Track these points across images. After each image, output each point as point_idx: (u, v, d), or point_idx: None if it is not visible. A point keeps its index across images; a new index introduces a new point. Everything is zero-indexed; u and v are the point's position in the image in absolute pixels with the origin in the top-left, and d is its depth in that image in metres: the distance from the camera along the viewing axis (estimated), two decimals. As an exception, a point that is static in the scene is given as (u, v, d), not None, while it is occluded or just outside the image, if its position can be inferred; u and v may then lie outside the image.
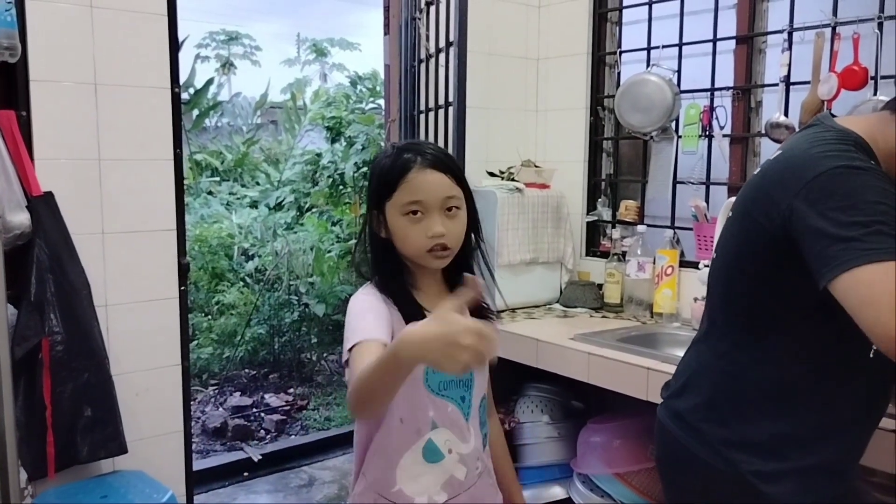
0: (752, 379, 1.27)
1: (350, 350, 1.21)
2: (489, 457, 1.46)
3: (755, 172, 1.29)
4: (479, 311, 1.37)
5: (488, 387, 1.47)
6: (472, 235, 1.38)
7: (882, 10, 2.08)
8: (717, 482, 1.28)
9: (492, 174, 2.75)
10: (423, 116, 2.43)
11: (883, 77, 2.08)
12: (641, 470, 2.33)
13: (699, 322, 2.36)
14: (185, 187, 2.28)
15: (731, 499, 1.26)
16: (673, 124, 2.63)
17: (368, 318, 1.27)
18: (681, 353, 2.29)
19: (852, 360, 1.24)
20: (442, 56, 2.20)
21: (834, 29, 2.17)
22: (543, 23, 2.98)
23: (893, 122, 1.22)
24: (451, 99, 2.05)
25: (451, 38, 2.00)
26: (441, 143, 2.22)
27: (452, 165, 1.34)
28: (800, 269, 1.12)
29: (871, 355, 1.24)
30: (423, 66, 2.42)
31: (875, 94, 2.10)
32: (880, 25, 2.08)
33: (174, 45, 2.22)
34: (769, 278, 1.22)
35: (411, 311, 1.30)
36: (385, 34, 2.82)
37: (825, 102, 2.20)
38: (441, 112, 2.20)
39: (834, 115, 1.30)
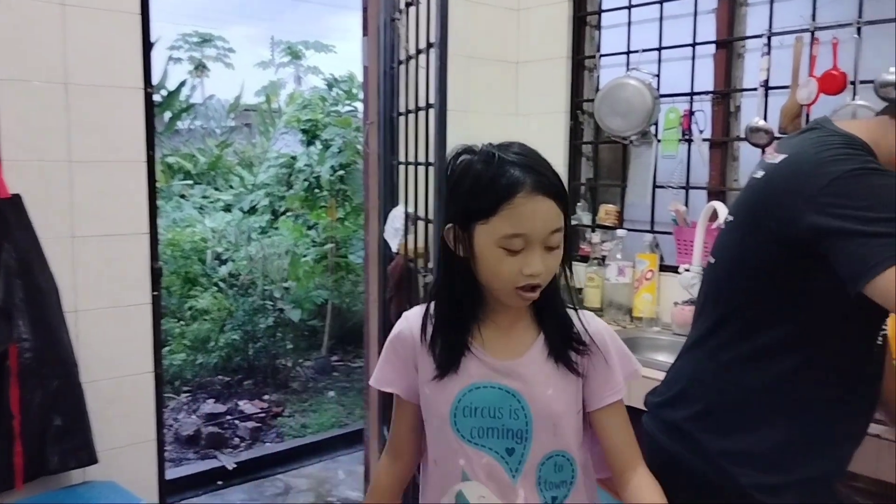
0: (754, 387, 1.23)
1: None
2: None
3: (756, 176, 1.26)
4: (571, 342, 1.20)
5: (620, 437, 1.20)
6: (564, 268, 1.18)
7: (861, 14, 2.09)
8: (715, 495, 1.24)
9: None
10: (402, 119, 2.39)
11: (862, 82, 2.09)
12: (623, 475, 2.31)
13: (680, 326, 2.39)
14: (157, 190, 2.23)
15: None
16: (653, 128, 2.63)
17: (389, 361, 1.25)
18: (662, 357, 2.31)
19: (853, 371, 1.24)
20: (422, 57, 2.16)
21: (813, 34, 2.18)
22: (523, 26, 2.96)
23: (892, 126, 1.21)
24: (431, 101, 2.02)
25: (432, 40, 1.96)
26: (422, 146, 2.19)
27: (562, 190, 1.12)
28: (813, 278, 1.10)
29: (871, 362, 1.24)
30: (402, 67, 2.38)
31: (854, 98, 2.10)
32: (859, 30, 2.09)
33: (147, 45, 2.17)
34: (777, 284, 1.18)
35: (454, 346, 1.17)
36: (363, 35, 2.78)
37: (804, 107, 2.20)
38: (422, 114, 2.17)
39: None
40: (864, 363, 1.25)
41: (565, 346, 1.18)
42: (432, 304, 1.22)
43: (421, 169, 2.23)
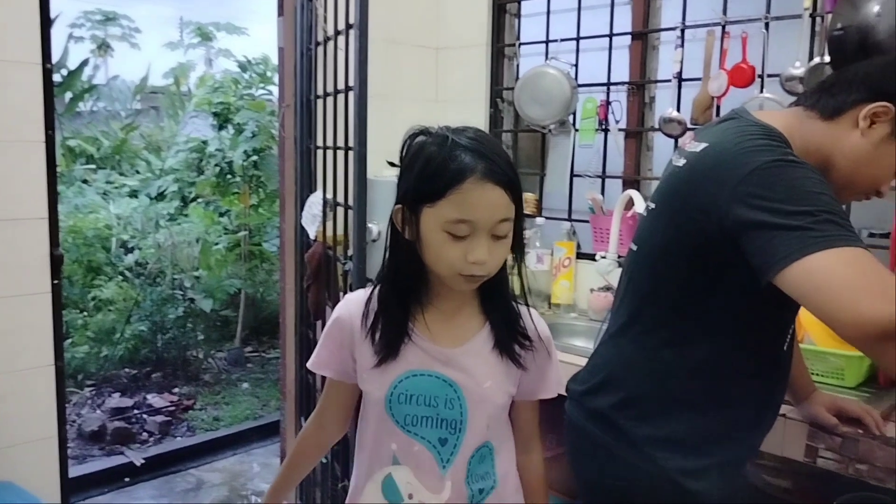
0: (676, 375, 1.25)
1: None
2: None
3: (677, 164, 1.26)
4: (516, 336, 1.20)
5: (532, 426, 1.29)
6: (519, 263, 1.18)
7: (769, 10, 2.16)
8: (640, 481, 1.25)
9: (392, 164, 2.68)
10: (320, 102, 2.34)
11: (769, 75, 2.17)
12: (541, 460, 2.34)
13: (596, 312, 2.43)
14: (57, 174, 2.10)
15: (655, 497, 1.24)
16: (570, 118, 2.66)
17: (326, 346, 1.25)
18: (579, 342, 2.35)
19: (769, 355, 1.28)
20: (341, 39, 2.11)
21: (724, 28, 2.25)
22: (443, 12, 2.94)
23: (807, 118, 1.25)
24: (351, 84, 1.98)
25: (351, 21, 1.92)
26: (341, 130, 2.14)
27: (514, 179, 1.09)
28: (735, 265, 1.11)
29: (785, 348, 1.28)
30: (320, 49, 2.32)
31: (762, 91, 2.18)
32: (767, 25, 2.16)
33: (45, 19, 2.03)
34: (700, 274, 1.19)
35: (394, 333, 1.16)
36: (279, 16, 2.70)
37: (715, 99, 2.27)
38: (340, 98, 2.12)
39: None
40: (778, 351, 1.29)
41: (510, 338, 1.18)
42: (376, 289, 1.20)
43: (340, 154, 2.19)
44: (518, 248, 1.16)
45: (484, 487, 1.21)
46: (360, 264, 1.93)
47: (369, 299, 1.20)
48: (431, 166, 1.07)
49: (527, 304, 1.22)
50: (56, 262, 2.09)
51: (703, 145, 1.21)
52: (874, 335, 0.94)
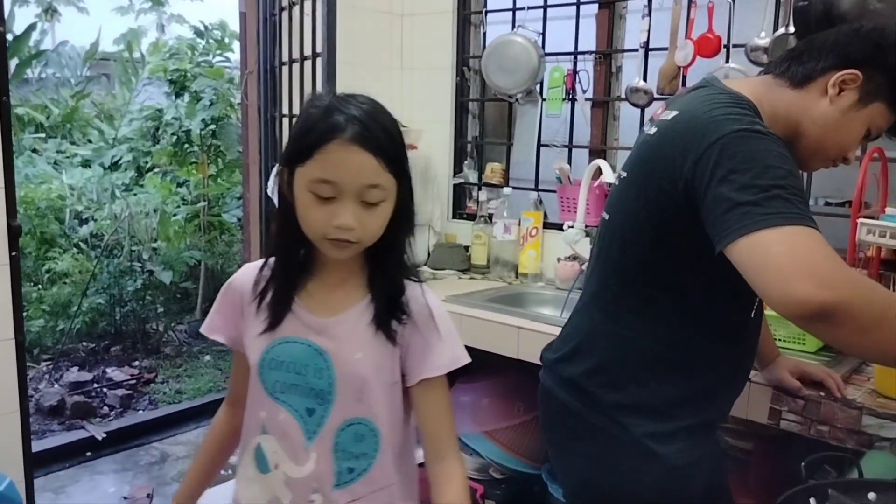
0: (645, 342, 1.26)
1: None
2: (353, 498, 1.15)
3: (649, 133, 1.27)
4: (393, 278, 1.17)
5: (438, 421, 1.16)
6: (402, 228, 1.13)
7: (735, -19, 2.18)
8: (611, 446, 1.28)
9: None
10: (286, 68, 2.29)
11: (734, 45, 2.19)
12: (509, 427, 2.38)
13: (562, 281, 2.45)
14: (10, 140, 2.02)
15: (626, 462, 1.27)
16: (537, 87, 2.66)
17: (219, 310, 1.24)
18: (547, 311, 2.37)
19: (737, 323, 1.30)
20: (307, 4, 2.07)
21: (690, -3, 2.26)
22: (408, -22, 2.90)
23: (776, 86, 1.27)
24: (318, 50, 1.94)
25: (319, -15, 1.88)
26: (308, 98, 2.11)
27: (387, 146, 1.06)
28: (699, 232, 1.12)
29: (753, 315, 1.31)
30: (284, 14, 2.27)
31: (727, 61, 2.20)
32: (733, -4, 2.18)
33: (-4, -23, 1.95)
34: (668, 241, 1.21)
35: (278, 301, 1.15)
36: (240, -20, 2.63)
37: (681, 68, 2.29)
38: (308, 64, 2.08)
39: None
40: (745, 318, 1.31)
41: (388, 312, 1.15)
42: (271, 259, 1.18)
43: (307, 122, 2.15)
44: (406, 222, 1.13)
45: (356, 467, 1.14)
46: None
47: (262, 267, 1.19)
48: (305, 126, 1.07)
49: (418, 280, 1.18)
50: (14, 234, 2.03)
51: (674, 113, 1.22)
52: (801, 315, 0.99)
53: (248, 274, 1.21)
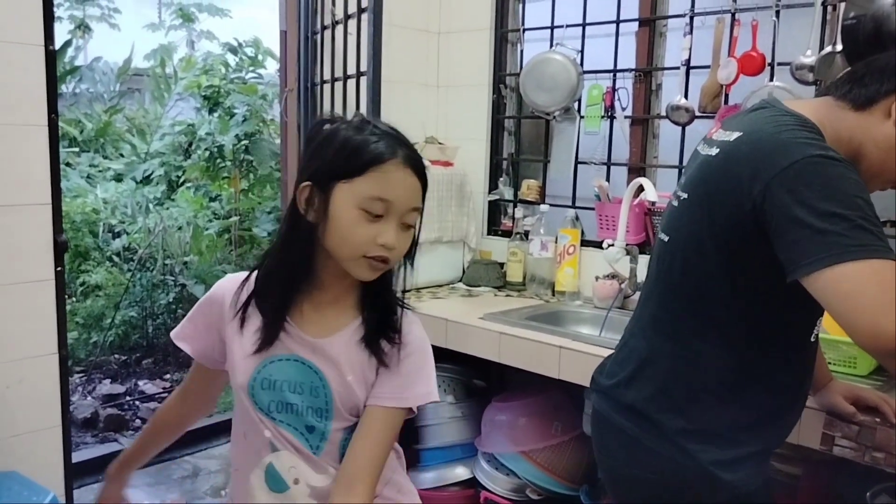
0: (709, 366, 1.24)
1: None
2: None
3: (710, 153, 1.25)
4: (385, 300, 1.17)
5: (373, 447, 1.12)
6: (406, 261, 1.16)
7: (779, -2, 2.16)
8: (676, 474, 1.25)
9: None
10: (327, 87, 2.30)
11: (779, 63, 2.17)
12: (547, 447, 2.35)
13: (601, 300, 2.42)
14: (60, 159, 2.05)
15: (691, 489, 1.24)
16: (575, 104, 2.65)
17: (193, 320, 1.24)
18: (585, 330, 2.35)
19: (798, 346, 1.28)
20: (351, 23, 2.08)
21: (734, 15, 2.24)
22: (445, -4, 2.91)
23: (837, 108, 1.25)
24: (363, 69, 1.95)
25: (364, 5, 1.89)
26: (349, 117, 2.11)
27: (426, 174, 1.11)
28: (765, 255, 1.10)
29: (812, 339, 1.29)
30: (327, 32, 2.29)
31: (772, 80, 2.18)
32: (777, 13, 2.16)
33: (48, -2, 1.98)
34: (734, 264, 1.19)
35: (275, 321, 1.13)
36: (281, -2, 2.66)
37: (724, 87, 2.27)
38: (351, 82, 2.09)
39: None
40: (806, 341, 1.29)
41: (379, 333, 1.15)
42: (254, 272, 1.17)
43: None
44: (413, 244, 1.15)
45: None
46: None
47: (244, 282, 1.17)
48: (351, 145, 1.07)
49: (405, 307, 1.18)
50: (60, 249, 2.05)
51: (737, 134, 1.21)
52: (889, 350, 0.98)
53: (227, 289, 1.19)
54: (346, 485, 1.10)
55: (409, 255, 1.15)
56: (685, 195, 1.29)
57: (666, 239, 1.32)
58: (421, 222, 1.14)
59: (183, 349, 1.23)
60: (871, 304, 0.98)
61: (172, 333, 1.25)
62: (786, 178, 1.07)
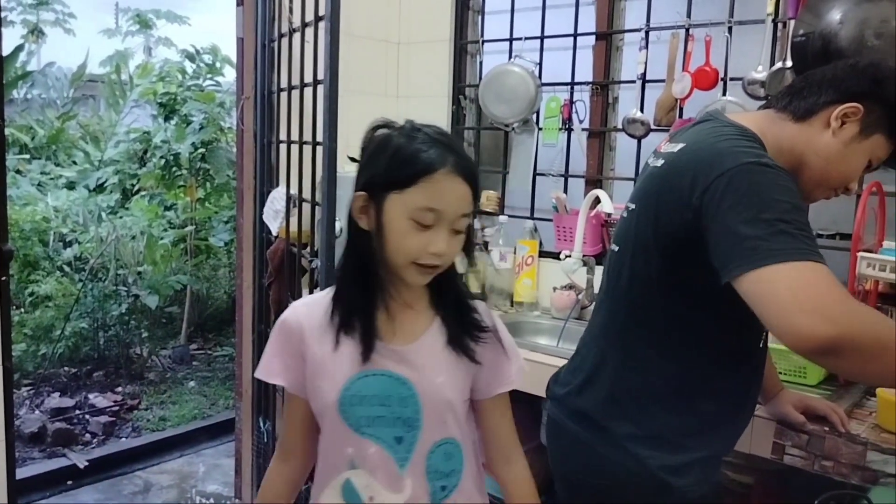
0: (656, 373, 1.27)
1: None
2: None
3: (655, 164, 1.28)
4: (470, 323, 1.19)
5: (504, 428, 1.24)
6: (470, 256, 1.18)
7: (732, 14, 2.21)
8: (626, 480, 1.27)
9: (353, 159, 2.64)
10: (284, 95, 2.28)
11: (732, 78, 2.21)
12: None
13: (558, 311, 2.43)
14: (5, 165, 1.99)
15: (641, 495, 1.26)
16: (534, 116, 2.67)
17: (276, 353, 1.21)
18: (543, 340, 2.36)
19: (746, 352, 1.30)
20: (308, 31, 2.07)
21: (688, 30, 2.28)
22: (405, 6, 2.91)
23: (779, 119, 1.29)
24: (320, 77, 1.93)
25: (321, 12, 1.88)
26: (308, 124, 2.09)
27: (477, 178, 1.12)
28: (707, 262, 1.12)
29: (761, 345, 1.31)
30: (284, 40, 2.27)
31: (724, 94, 2.22)
32: (730, 29, 2.21)
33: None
34: (678, 272, 1.21)
35: (366, 335, 1.14)
36: (238, 5, 2.62)
37: (679, 101, 2.31)
38: (308, 91, 2.07)
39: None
40: (755, 348, 1.32)
41: (463, 332, 1.17)
42: (336, 288, 1.18)
43: (307, 148, 2.14)
44: (470, 245, 1.17)
45: (447, 485, 1.18)
46: (328, 261, 1.89)
47: (333, 300, 1.18)
48: (403, 154, 1.08)
49: (484, 299, 1.24)
50: (4, 258, 1.99)
51: (681, 145, 1.24)
52: (809, 349, 1.01)
53: (301, 312, 1.20)
54: (504, 459, 1.24)
55: (469, 254, 1.17)
56: (633, 206, 1.31)
57: (616, 249, 1.35)
58: (473, 224, 1.15)
59: (277, 383, 1.22)
60: (786, 307, 1.01)
61: (259, 373, 1.23)
62: (719, 185, 1.10)
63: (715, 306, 1.21)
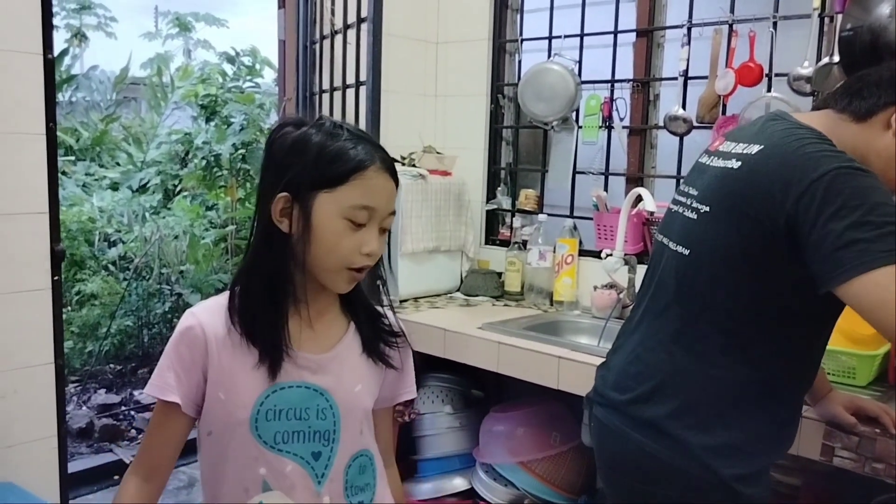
0: (733, 381, 1.24)
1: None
2: None
3: (731, 166, 1.24)
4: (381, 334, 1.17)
5: (388, 435, 1.24)
6: (381, 261, 1.13)
7: (777, 9, 2.17)
8: (695, 490, 1.24)
9: (392, 159, 2.67)
10: (326, 96, 2.31)
11: (777, 74, 2.17)
12: (545, 458, 2.34)
13: (599, 310, 2.42)
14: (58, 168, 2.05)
15: None
16: (573, 114, 2.66)
17: (172, 367, 1.07)
18: (584, 340, 2.35)
19: (815, 360, 1.30)
20: (350, 33, 2.09)
21: (731, 26, 2.25)
22: (443, 6, 2.92)
23: (839, 120, 1.26)
24: (362, 78, 1.95)
25: (364, 14, 1.89)
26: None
27: (397, 174, 1.10)
28: (795, 271, 1.12)
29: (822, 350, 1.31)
30: (326, 42, 2.29)
31: (769, 90, 2.19)
32: (775, 24, 2.17)
33: (47, 7, 1.98)
34: (762, 279, 1.19)
35: (276, 346, 1.05)
36: (279, 8, 2.66)
37: (722, 97, 2.28)
38: (350, 92, 2.09)
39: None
40: (819, 354, 1.32)
41: (377, 338, 1.15)
42: (237, 294, 1.09)
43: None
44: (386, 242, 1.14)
45: (364, 500, 1.14)
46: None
47: (232, 307, 1.08)
48: (331, 151, 1.03)
49: (390, 305, 1.20)
50: (57, 258, 2.04)
51: (757, 147, 1.21)
52: None
53: (205, 319, 1.08)
54: (386, 465, 1.23)
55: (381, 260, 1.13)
56: (706, 208, 1.27)
57: (686, 252, 1.30)
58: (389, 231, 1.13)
59: (172, 400, 1.07)
60: None
61: (152, 391, 1.08)
62: (816, 191, 1.09)
63: (798, 311, 1.20)
